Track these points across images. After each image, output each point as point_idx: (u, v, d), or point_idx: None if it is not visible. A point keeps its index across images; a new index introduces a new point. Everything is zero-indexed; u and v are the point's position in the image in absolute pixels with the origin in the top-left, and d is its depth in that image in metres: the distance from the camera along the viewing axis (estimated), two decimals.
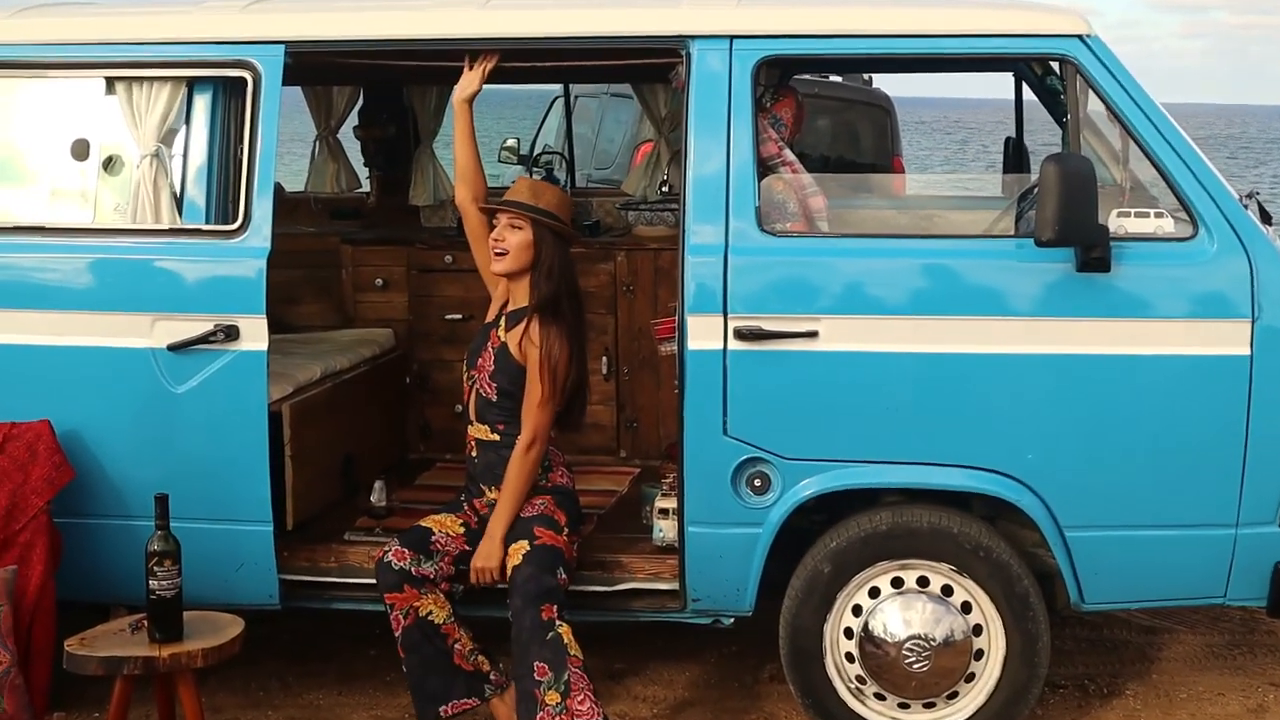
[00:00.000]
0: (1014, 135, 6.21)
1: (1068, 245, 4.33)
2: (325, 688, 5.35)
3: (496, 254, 4.67)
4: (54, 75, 4.90)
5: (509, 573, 4.52)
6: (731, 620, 4.74)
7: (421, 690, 4.60)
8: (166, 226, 4.78)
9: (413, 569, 4.56)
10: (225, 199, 4.80)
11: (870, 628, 4.58)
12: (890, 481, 4.56)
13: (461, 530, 4.70)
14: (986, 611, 4.57)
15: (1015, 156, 6.18)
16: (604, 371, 6.14)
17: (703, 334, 4.49)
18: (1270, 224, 4.76)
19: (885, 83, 11.38)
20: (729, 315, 4.48)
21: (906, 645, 4.55)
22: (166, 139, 4.81)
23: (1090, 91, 4.47)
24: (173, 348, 4.69)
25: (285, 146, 5.37)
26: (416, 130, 6.88)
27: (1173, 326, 4.39)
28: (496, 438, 4.70)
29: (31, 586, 4.59)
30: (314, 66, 5.23)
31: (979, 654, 4.59)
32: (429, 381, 6.31)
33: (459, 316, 6.20)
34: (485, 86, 4.79)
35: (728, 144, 4.53)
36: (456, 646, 4.62)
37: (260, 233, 4.69)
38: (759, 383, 4.49)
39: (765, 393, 4.49)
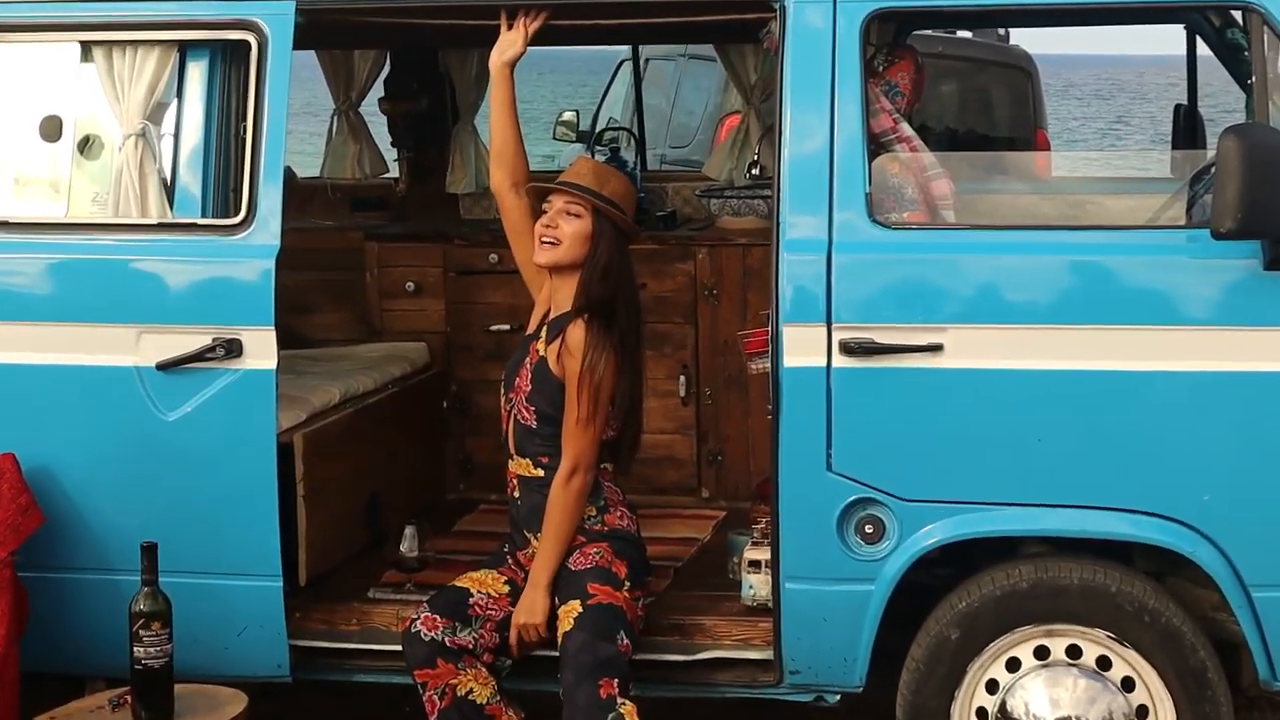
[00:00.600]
0: (1185, 102, 6.15)
1: (1252, 237, 4.28)
2: None
3: (545, 242, 4.69)
4: (18, 39, 4.96)
5: (559, 639, 4.52)
6: (837, 698, 4.72)
7: None
8: (155, 221, 4.83)
9: (448, 639, 4.57)
10: (225, 187, 4.85)
11: (1008, 708, 4.55)
12: (1033, 528, 4.53)
13: (506, 590, 4.71)
14: (1153, 689, 4.52)
15: (1187, 129, 6.13)
16: (681, 394, 6.15)
17: (801, 348, 4.48)
18: None
19: (1025, 39, 11.35)
20: (833, 325, 4.47)
21: None
22: (154, 115, 4.86)
23: None
24: (162, 366, 4.74)
25: (297, 123, 5.41)
26: (454, 103, 6.94)
27: None
28: (540, 473, 4.71)
29: None
30: (330, 26, 5.27)
31: None
32: (470, 406, 6.34)
33: (506, 327, 6.23)
34: (531, 48, 4.80)
35: (831, 117, 4.52)
36: None
37: (267, 228, 4.72)
38: (870, 407, 4.47)
39: (878, 419, 4.48)
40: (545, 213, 4.72)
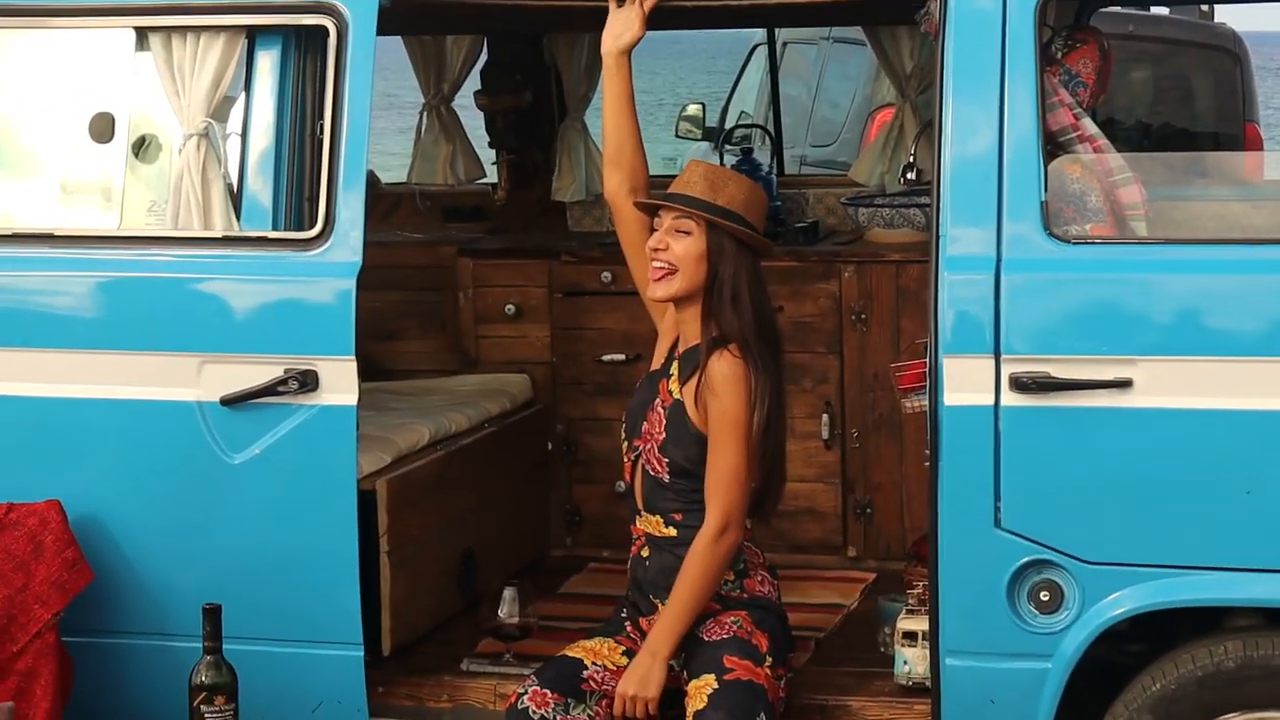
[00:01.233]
0: None
1: None
2: None
3: (657, 268, 4.69)
4: (65, 24, 5.05)
5: (689, 718, 4.54)
6: None
7: None
8: (219, 234, 4.90)
9: (558, 717, 4.61)
10: (299, 196, 4.91)
11: None
12: (1241, 597, 4.50)
13: (625, 661, 4.73)
14: None
15: None
16: (824, 436, 6.15)
17: (965, 383, 4.48)
18: None
19: (1233, 16, 11.24)
20: (1002, 357, 4.47)
21: None
22: (219, 113, 4.94)
23: None
24: (227, 401, 4.81)
25: (379, 119, 5.46)
26: (561, 97, 6.98)
27: None
28: (673, 532, 4.73)
29: None
30: (419, 9, 5.35)
31: None
32: (578, 449, 6.38)
33: (621, 358, 6.26)
34: (649, 32, 4.83)
35: (1001, 112, 4.52)
36: None
37: (347, 242, 4.77)
38: (1047, 453, 4.46)
39: (1056, 467, 4.46)
40: (656, 231, 4.71)
